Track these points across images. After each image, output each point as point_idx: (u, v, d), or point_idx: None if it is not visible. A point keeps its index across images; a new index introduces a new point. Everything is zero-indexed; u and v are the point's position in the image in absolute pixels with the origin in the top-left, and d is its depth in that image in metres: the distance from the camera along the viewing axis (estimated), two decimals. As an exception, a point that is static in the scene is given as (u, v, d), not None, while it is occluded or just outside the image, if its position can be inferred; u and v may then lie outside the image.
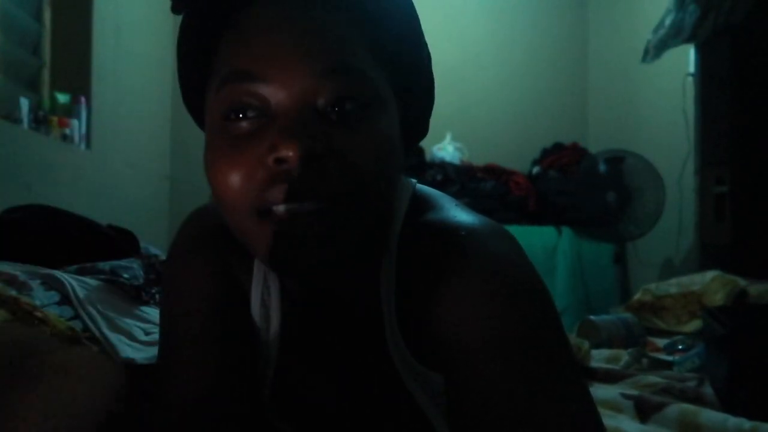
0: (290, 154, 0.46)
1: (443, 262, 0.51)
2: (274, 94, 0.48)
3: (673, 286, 2.06)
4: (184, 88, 0.57)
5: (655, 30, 2.66)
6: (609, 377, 1.31)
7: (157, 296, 1.11)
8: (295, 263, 0.49)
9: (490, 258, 0.51)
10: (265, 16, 0.49)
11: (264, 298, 0.63)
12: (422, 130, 0.61)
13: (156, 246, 1.60)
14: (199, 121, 0.58)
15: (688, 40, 2.56)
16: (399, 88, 0.54)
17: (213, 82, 0.51)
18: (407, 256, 0.57)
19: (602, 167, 3.04)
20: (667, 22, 2.57)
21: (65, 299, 0.93)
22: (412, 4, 0.56)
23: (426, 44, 0.58)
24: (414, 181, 0.63)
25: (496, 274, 0.50)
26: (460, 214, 0.56)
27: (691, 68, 2.77)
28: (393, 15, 0.54)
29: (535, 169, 3.62)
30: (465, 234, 0.53)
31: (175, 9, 0.52)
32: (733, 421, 0.99)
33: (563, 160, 3.56)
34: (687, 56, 2.78)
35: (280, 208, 0.48)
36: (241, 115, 0.49)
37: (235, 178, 0.48)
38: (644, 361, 1.50)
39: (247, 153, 0.48)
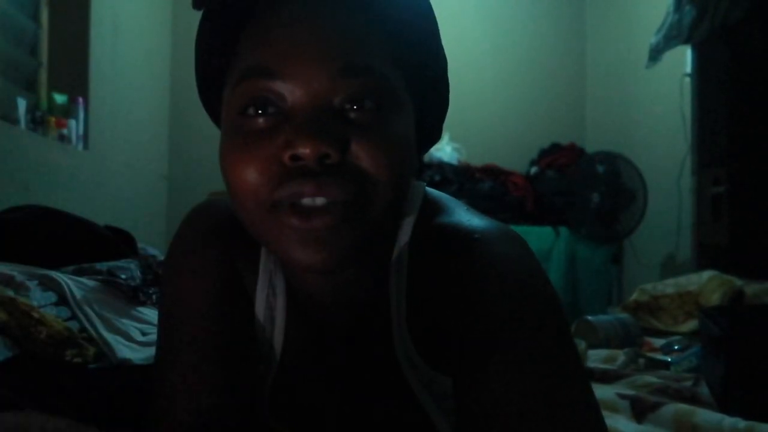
0: (307, 151, 0.46)
1: (457, 265, 0.52)
2: (291, 91, 0.48)
3: (669, 286, 2.06)
4: (201, 83, 0.57)
5: (656, 33, 2.66)
6: (605, 377, 1.32)
7: (154, 297, 1.11)
8: (308, 258, 0.49)
9: (504, 262, 0.51)
10: (285, 13, 0.49)
11: (269, 298, 0.63)
12: (435, 135, 0.61)
13: (153, 246, 1.60)
14: (215, 118, 0.58)
15: (685, 41, 2.56)
16: (416, 92, 0.55)
17: (231, 78, 0.51)
18: (419, 259, 0.57)
19: (600, 168, 3.05)
20: (666, 24, 2.58)
21: (62, 300, 0.94)
22: (432, 9, 0.57)
23: (443, 50, 0.58)
24: (424, 184, 0.63)
25: (510, 278, 0.50)
26: (472, 218, 0.56)
27: (688, 69, 2.78)
28: (413, 19, 0.55)
29: (533, 170, 3.62)
30: (478, 237, 0.53)
31: (197, 4, 0.52)
32: (728, 421, 0.99)
33: (561, 160, 3.57)
34: (684, 57, 2.78)
35: (294, 204, 0.48)
36: (257, 111, 0.49)
37: (249, 173, 0.48)
38: (641, 361, 1.50)
39: (262, 149, 0.48)
